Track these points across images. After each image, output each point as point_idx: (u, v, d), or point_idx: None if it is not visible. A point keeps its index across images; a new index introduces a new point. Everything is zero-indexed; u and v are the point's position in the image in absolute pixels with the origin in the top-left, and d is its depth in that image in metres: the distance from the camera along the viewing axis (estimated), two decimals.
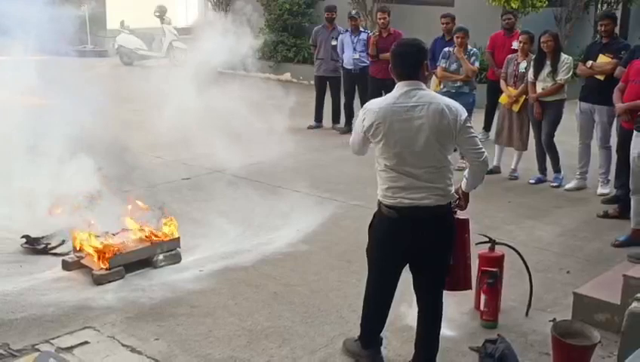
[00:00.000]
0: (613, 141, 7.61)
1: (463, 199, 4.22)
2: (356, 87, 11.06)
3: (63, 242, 6.06)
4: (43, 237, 6.07)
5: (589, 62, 7.63)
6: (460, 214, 4.24)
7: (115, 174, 8.06)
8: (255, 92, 14.86)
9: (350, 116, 11.15)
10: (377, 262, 4.17)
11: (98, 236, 5.76)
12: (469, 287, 4.53)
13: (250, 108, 12.86)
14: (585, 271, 5.79)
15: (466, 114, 3.96)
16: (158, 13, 18.17)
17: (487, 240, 5.04)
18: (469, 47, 9.01)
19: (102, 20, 19.79)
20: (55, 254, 5.93)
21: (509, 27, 9.94)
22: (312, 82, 13.91)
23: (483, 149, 4.02)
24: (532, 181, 8.38)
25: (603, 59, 7.52)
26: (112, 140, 9.28)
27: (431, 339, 4.16)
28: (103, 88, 11.19)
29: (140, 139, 10.01)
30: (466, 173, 4.18)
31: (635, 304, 3.99)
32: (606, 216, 7.17)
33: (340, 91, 11.34)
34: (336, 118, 11.42)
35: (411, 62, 3.94)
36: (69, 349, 4.45)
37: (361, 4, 14.77)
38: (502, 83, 8.62)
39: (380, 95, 10.29)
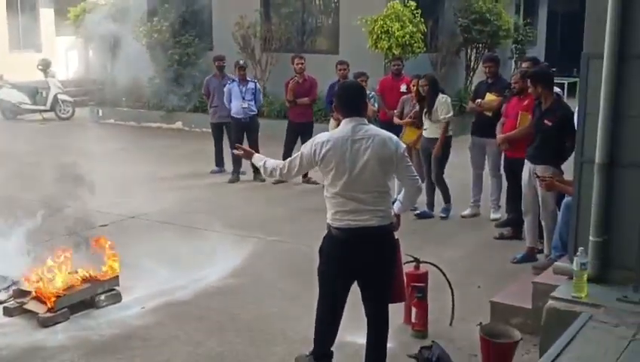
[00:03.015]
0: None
1: (397, 221, 4.77)
2: (245, 136, 11.32)
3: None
4: None
5: (478, 101, 8.48)
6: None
7: (29, 225, 8.15)
8: (152, 141, 15.16)
9: (238, 164, 11.26)
10: (328, 279, 4.62)
11: (39, 281, 5.92)
12: (405, 299, 5.07)
13: (149, 156, 13.15)
14: (492, 285, 6.43)
15: (404, 146, 4.55)
16: (41, 67, 18.05)
17: (413, 259, 5.62)
18: (368, 90, 9.73)
19: None
20: None
21: (397, 72, 10.73)
22: (204, 130, 14.31)
23: (418, 177, 4.63)
24: (417, 212, 8.80)
25: (490, 97, 8.38)
26: (10, 194, 9.31)
27: (379, 348, 4.64)
28: None
29: (43, 191, 10.02)
30: (400, 196, 4.74)
31: (550, 301, 4.65)
32: (502, 237, 7.95)
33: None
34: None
35: (356, 100, 4.53)
36: None
37: (250, 54, 15.33)
38: (396, 120, 9.29)
39: (297, 138, 10.81)
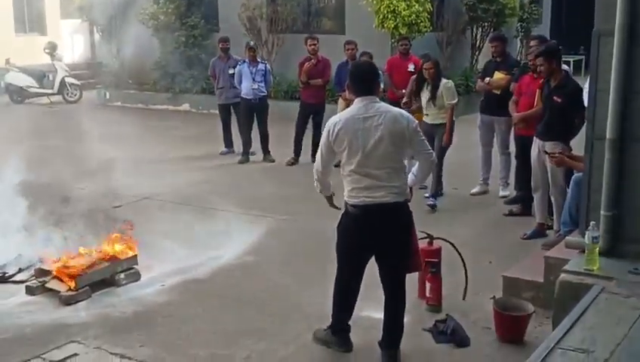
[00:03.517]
0: (512, 148, 8.54)
1: (410, 193, 4.87)
2: (255, 117, 11.28)
3: (20, 270, 6.29)
4: None
5: (487, 79, 8.55)
6: None
7: (44, 206, 8.27)
8: (160, 123, 15.24)
9: (247, 146, 11.36)
10: (346, 255, 4.75)
11: (59, 260, 6.05)
12: (421, 269, 5.15)
13: (158, 138, 13.25)
14: (503, 261, 6.51)
15: (416, 121, 4.65)
16: (48, 50, 18.10)
17: (426, 236, 5.73)
18: None
19: None
20: (14, 282, 6.15)
21: (405, 52, 10.78)
22: (212, 111, 14.45)
23: (432, 150, 4.73)
24: (427, 195, 8.56)
25: (498, 75, 8.45)
26: (30, 176, 9.41)
27: (397, 322, 4.77)
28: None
29: (56, 173, 10.14)
30: (414, 169, 4.85)
31: (563, 275, 4.75)
32: (511, 214, 8.04)
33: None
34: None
35: (368, 80, 4.63)
36: None
37: (256, 35, 15.37)
38: (405, 100, 9.32)
39: (308, 119, 10.91)
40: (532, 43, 8.08)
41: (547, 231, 7.19)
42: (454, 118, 8.61)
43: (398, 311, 4.76)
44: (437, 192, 8.59)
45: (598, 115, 4.95)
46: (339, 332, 4.90)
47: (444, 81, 8.46)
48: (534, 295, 5.54)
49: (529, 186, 7.41)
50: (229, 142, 11.93)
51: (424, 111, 8.50)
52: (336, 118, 4.62)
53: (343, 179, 4.65)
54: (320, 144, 4.74)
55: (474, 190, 8.99)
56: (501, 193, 8.79)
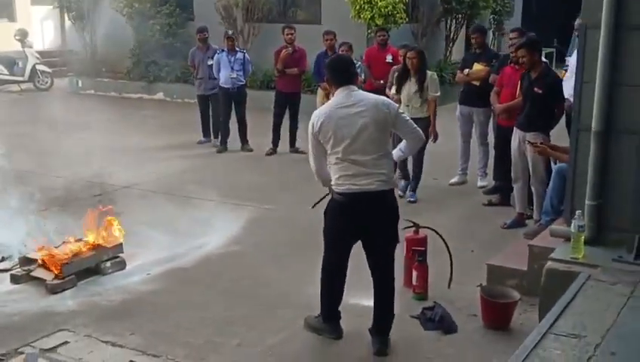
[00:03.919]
0: (490, 139, 8.65)
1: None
2: (233, 106, 11.25)
3: (3, 259, 6.24)
4: None
5: (466, 71, 8.64)
6: None
7: (23, 195, 8.18)
8: (135, 111, 15.13)
9: (226, 135, 11.34)
10: (332, 240, 4.82)
11: (44, 248, 6.01)
12: (398, 241, 5.04)
13: (134, 127, 13.17)
14: (485, 249, 6.62)
15: (397, 105, 4.89)
16: (19, 37, 17.82)
17: (412, 224, 5.80)
18: (354, 60, 9.80)
19: None
20: None
21: (383, 42, 10.84)
22: (186, 100, 14.41)
23: (419, 129, 4.86)
24: (402, 184, 8.65)
25: (477, 67, 8.54)
26: (4, 164, 9.29)
27: (387, 309, 4.83)
28: None
29: (32, 162, 10.03)
30: (401, 145, 4.95)
31: (549, 263, 4.85)
32: (490, 204, 8.15)
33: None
34: (216, 134, 11.67)
35: (347, 70, 4.77)
36: (53, 349, 4.75)
37: (232, 24, 15.30)
38: (387, 91, 9.39)
39: (285, 108, 10.91)
40: (512, 35, 8.20)
41: (526, 221, 7.31)
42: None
43: (388, 298, 4.82)
44: (416, 185, 8.58)
45: (584, 107, 5.04)
46: (329, 319, 4.95)
47: (429, 73, 8.30)
48: (518, 282, 5.63)
49: (507, 176, 7.52)
50: (206, 131, 11.88)
51: (405, 103, 8.16)
52: (318, 111, 4.73)
53: (330, 168, 4.70)
54: (309, 141, 4.79)
55: (453, 180, 9.10)
56: (479, 183, 8.90)
